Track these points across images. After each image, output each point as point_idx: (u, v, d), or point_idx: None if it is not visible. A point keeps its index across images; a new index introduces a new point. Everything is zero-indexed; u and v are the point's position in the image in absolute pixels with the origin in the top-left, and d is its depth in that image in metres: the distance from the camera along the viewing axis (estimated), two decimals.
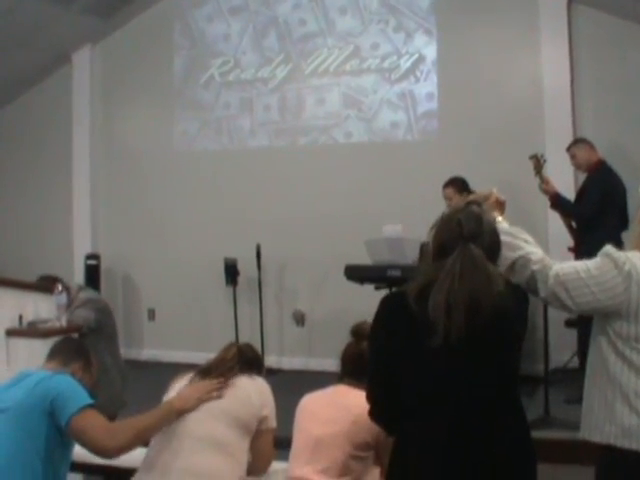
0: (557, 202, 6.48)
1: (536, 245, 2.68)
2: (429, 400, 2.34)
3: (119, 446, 2.80)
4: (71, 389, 2.84)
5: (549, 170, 6.54)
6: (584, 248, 5.83)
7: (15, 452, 2.72)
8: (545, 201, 6.67)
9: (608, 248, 2.56)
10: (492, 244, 2.45)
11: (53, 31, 8.79)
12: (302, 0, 8.66)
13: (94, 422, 2.79)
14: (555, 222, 6.83)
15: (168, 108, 9.23)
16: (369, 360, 2.54)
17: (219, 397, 3.04)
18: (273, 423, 3.13)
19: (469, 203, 2.75)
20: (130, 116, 9.51)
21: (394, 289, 5.86)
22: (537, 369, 6.36)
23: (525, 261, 2.60)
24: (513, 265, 2.61)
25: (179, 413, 2.98)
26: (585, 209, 6.29)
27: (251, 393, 3.08)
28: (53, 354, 3.21)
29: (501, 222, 2.77)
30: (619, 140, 6.85)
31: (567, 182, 7.08)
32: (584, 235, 6.26)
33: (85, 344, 3.45)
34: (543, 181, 6.40)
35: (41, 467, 2.76)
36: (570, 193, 6.81)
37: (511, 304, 2.35)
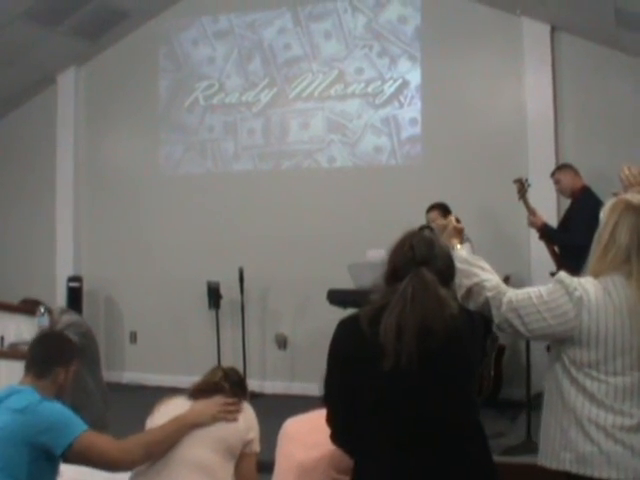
0: (546, 233, 6.47)
1: (492, 272, 2.72)
2: (384, 423, 2.34)
3: (131, 459, 2.83)
4: (64, 419, 2.81)
5: (532, 196, 6.54)
6: (567, 273, 5.82)
7: None
8: (528, 226, 6.66)
9: (561, 274, 2.61)
10: (445, 268, 2.47)
11: (38, 52, 8.77)
12: (287, 25, 8.70)
13: (101, 439, 2.81)
14: (538, 247, 6.84)
15: (152, 131, 9.23)
16: (325, 384, 2.54)
17: (234, 420, 3.03)
18: (257, 447, 3.11)
19: (422, 228, 2.78)
20: (114, 138, 9.48)
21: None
22: (519, 394, 6.37)
23: (480, 288, 2.64)
24: (469, 292, 2.66)
25: (192, 426, 2.96)
26: (575, 237, 6.17)
27: (239, 416, 3.07)
28: (29, 367, 3.06)
29: (459, 249, 2.83)
30: (601, 166, 6.87)
31: (550, 208, 7.11)
32: (567, 261, 6.24)
33: (56, 342, 3.29)
34: (528, 209, 6.38)
35: None
36: (553, 219, 6.85)
37: (465, 328, 2.37)
